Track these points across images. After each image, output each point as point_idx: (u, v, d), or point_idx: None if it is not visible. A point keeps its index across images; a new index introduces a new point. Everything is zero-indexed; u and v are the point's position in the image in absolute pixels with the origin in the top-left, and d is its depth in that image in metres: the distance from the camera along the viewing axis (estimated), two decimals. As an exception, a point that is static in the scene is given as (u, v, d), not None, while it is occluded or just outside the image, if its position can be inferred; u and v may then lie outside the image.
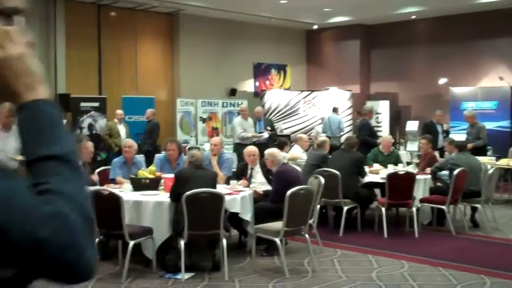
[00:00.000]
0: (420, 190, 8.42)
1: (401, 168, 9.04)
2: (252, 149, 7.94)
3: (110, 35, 15.68)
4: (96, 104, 14.52)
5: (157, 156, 9.61)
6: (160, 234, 6.16)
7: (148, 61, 16.58)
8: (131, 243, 5.83)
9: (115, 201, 5.80)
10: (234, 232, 7.45)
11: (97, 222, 5.89)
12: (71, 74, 14.82)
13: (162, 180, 6.96)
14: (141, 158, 10.08)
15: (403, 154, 13.06)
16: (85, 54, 15.20)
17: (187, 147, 10.77)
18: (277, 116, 16.92)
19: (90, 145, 7.25)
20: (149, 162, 10.47)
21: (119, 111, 13.17)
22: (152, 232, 6.10)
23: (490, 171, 8.73)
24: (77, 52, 14.92)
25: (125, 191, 6.52)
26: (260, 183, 7.69)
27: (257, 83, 18.66)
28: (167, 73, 17.05)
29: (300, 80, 19.69)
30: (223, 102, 16.93)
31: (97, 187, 6.20)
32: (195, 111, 16.38)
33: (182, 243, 5.89)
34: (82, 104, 14.33)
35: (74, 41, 14.86)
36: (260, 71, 18.76)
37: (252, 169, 7.81)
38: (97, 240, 5.95)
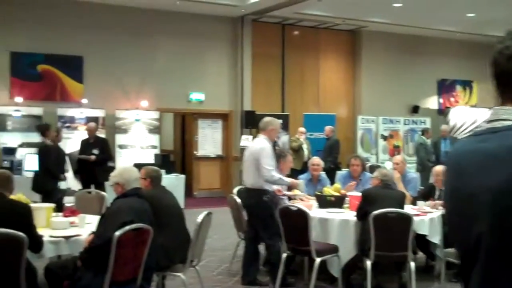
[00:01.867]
0: None
1: None
2: (440, 169, 7.65)
3: (293, 54, 16.07)
4: (279, 121, 14.90)
5: (340, 173, 9.62)
6: (346, 253, 6.12)
7: (329, 79, 16.73)
8: (318, 260, 5.87)
9: (303, 217, 5.87)
10: (420, 254, 7.21)
11: (285, 237, 6.04)
12: (256, 92, 15.40)
13: (347, 198, 6.94)
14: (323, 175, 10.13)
15: None
16: (270, 72, 15.73)
17: (367, 165, 10.66)
18: (463, 135, 16.17)
19: (290, 159, 7.43)
20: (330, 179, 10.50)
21: (302, 129, 13.41)
22: (337, 250, 6.09)
23: None
24: (262, 71, 15.48)
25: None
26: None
27: (441, 100, 18.03)
28: (348, 90, 17.07)
29: (487, 97, 18.66)
30: (405, 120, 16.57)
31: (286, 203, 6.33)
32: (376, 129, 16.21)
33: (368, 263, 5.82)
34: (266, 121, 14.78)
35: (259, 60, 15.44)
36: (445, 87, 18.12)
37: (441, 190, 7.51)
38: (284, 255, 6.07)
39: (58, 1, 13.27)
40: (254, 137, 14.55)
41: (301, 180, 7.62)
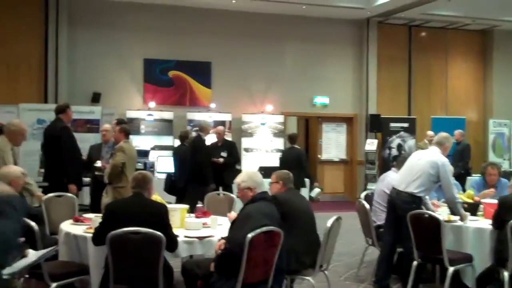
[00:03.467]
0: None
1: None
2: None
3: (420, 55, 15.68)
4: (405, 125, 14.62)
5: (472, 179, 9.23)
6: (481, 262, 5.86)
7: (458, 81, 16.15)
8: (451, 269, 5.67)
9: (435, 224, 5.70)
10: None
11: (416, 245, 5.89)
12: (382, 95, 15.17)
13: (481, 206, 6.65)
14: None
15: None
16: (395, 75, 15.44)
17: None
18: None
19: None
20: (460, 185, 10.11)
21: (430, 132, 13.01)
22: (472, 259, 5.85)
23: None
24: (387, 73, 15.23)
25: (442, 215, 6.36)
26: None
27: None
28: (478, 93, 16.39)
29: None
30: (541, 123, 15.65)
31: (418, 210, 6.15)
32: (509, 133, 15.42)
33: (505, 274, 5.53)
34: (392, 124, 14.55)
35: (385, 63, 15.20)
36: None
37: None
38: (415, 263, 5.91)
39: (188, 9, 13.77)
40: (380, 141, 14.40)
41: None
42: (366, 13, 14.49)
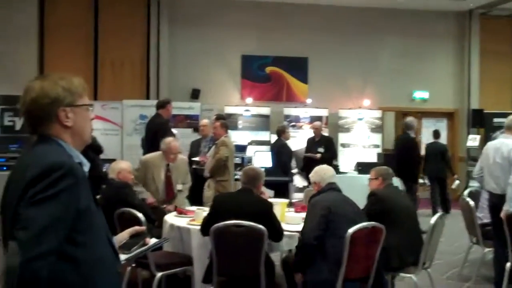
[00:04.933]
0: None
1: None
2: None
3: (526, 48, 14.98)
4: (510, 120, 14.00)
5: None
6: None
7: None
8: None
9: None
10: None
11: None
12: (485, 89, 14.63)
13: None
14: None
15: None
16: (499, 69, 14.81)
17: None
18: None
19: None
20: None
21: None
22: None
23: None
24: (491, 67, 14.65)
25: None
26: None
27: None
28: None
29: None
30: None
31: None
32: None
33: None
34: (495, 119, 13.97)
35: (488, 56, 14.63)
36: None
37: None
38: (508, 264, 5.66)
39: (285, 5, 13.82)
40: (483, 137, 13.88)
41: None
42: (468, 5, 14.00)
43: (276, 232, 4.71)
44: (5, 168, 10.68)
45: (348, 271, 4.45)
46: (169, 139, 6.84)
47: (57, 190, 1.91)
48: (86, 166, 2.15)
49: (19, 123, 11.73)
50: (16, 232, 1.86)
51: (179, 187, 6.74)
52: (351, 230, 4.38)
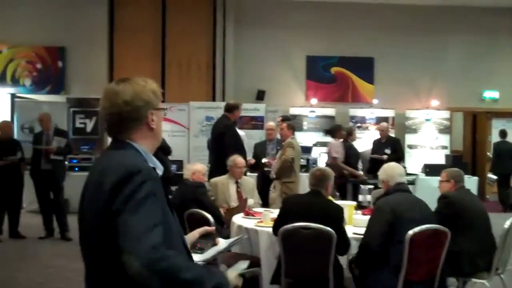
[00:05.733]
0: None
1: None
2: None
3: None
4: None
5: None
6: None
7: None
8: None
9: None
10: None
11: None
12: None
13: None
14: None
15: None
16: None
17: None
18: None
19: None
20: None
21: None
22: None
23: None
24: None
25: None
26: None
27: None
28: None
29: None
30: None
31: None
32: None
33: None
34: None
35: None
36: None
37: None
38: None
39: (350, 5, 13.71)
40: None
41: None
42: (541, 1, 13.56)
43: (343, 241, 4.61)
44: (76, 169, 11.00)
45: (409, 273, 4.37)
46: (233, 156, 6.85)
47: (143, 194, 1.94)
48: (160, 170, 2.18)
49: (90, 125, 12.08)
50: (122, 243, 1.89)
51: (250, 201, 6.74)
52: (411, 232, 4.29)
